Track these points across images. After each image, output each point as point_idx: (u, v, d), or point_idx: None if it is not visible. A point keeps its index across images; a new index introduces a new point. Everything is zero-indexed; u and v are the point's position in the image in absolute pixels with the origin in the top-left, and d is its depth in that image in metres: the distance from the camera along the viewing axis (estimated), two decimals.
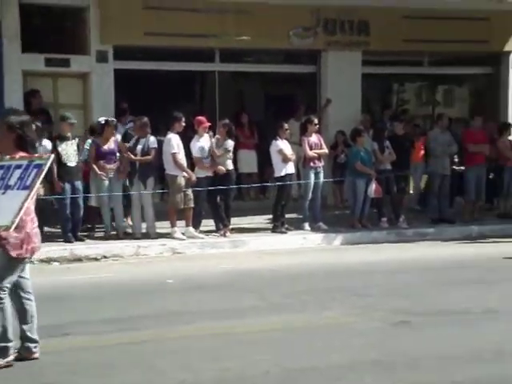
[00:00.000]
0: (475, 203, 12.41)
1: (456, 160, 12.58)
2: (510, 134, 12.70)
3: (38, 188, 5.00)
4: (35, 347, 5.31)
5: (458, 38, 13.57)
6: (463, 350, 5.57)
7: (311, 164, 11.36)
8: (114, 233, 10.67)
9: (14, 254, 5.00)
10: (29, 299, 5.30)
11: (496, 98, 14.80)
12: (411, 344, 5.77)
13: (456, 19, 13.54)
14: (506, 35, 14.32)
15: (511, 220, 12.14)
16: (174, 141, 10.54)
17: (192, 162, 10.98)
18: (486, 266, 9.02)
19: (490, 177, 12.89)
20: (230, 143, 10.97)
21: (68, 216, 10.23)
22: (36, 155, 5.08)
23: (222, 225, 10.90)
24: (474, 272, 8.66)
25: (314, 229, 11.35)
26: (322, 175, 11.49)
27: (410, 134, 12.57)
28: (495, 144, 12.46)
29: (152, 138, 10.69)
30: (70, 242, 10.13)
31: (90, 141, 10.80)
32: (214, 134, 11.08)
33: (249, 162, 13.51)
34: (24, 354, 5.28)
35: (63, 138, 10.32)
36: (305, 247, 10.70)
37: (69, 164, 10.26)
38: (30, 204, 4.89)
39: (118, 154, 10.70)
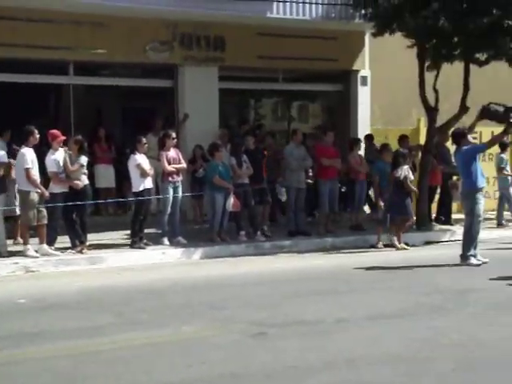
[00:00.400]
0: (329, 216, 12.83)
1: (310, 174, 12.95)
2: (360, 149, 13.26)
3: None
4: None
5: (310, 55, 14.07)
6: (317, 359, 5.74)
7: (170, 178, 11.32)
8: None
9: None
10: None
11: (346, 114, 15.43)
12: (268, 355, 5.88)
13: (308, 38, 14.02)
14: (353, 54, 15.01)
15: (363, 232, 12.65)
16: (28, 156, 10.16)
17: (46, 178, 10.64)
18: (339, 277, 9.35)
19: (343, 190, 13.38)
20: (84, 159, 10.73)
21: None
22: None
23: (78, 241, 10.62)
24: (328, 283, 8.95)
25: (173, 243, 11.31)
26: (180, 190, 11.49)
27: (262, 148, 12.84)
28: (346, 158, 12.96)
29: (1, 152, 10.27)
30: None
31: None
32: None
33: (106, 176, 13.30)
34: None
35: None
36: (164, 262, 10.63)
37: None
38: None
39: None
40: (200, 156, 13.12)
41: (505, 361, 5.64)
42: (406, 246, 11.68)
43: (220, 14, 12.83)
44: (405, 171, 11.60)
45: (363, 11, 12.39)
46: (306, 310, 7.43)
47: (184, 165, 11.72)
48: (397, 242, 11.64)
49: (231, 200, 11.48)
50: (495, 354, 5.83)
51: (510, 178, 14.07)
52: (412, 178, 11.81)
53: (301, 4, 13.32)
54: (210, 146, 12.00)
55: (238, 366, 5.59)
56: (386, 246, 11.84)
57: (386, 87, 17.22)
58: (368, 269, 9.83)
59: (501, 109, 9.73)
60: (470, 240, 9.93)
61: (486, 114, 9.85)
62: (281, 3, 13.17)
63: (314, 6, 13.48)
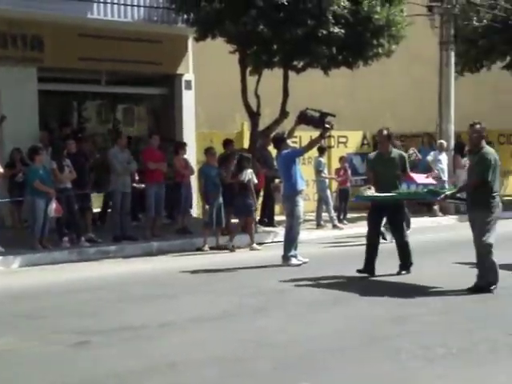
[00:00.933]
0: (155, 219, 12.78)
1: (137, 178, 12.85)
2: (185, 153, 13.32)
3: None
4: None
5: (134, 58, 13.90)
6: (141, 365, 5.68)
7: None
8: None
9: None
10: None
11: (172, 118, 15.42)
12: (90, 363, 5.74)
13: (131, 40, 13.84)
14: (177, 58, 15.02)
15: (189, 235, 12.71)
16: None
17: None
18: (164, 281, 9.34)
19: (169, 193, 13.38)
20: None
21: None
22: None
23: None
24: (154, 287, 8.90)
25: None
26: None
27: (86, 152, 12.57)
28: (172, 162, 12.99)
29: None
30: None
31: None
32: None
33: None
34: None
35: None
36: None
37: None
38: None
39: None
40: (19, 160, 12.57)
41: (321, 357, 5.88)
42: (258, 247, 11.95)
43: (37, 12, 12.33)
44: (249, 175, 11.93)
45: (185, 16, 12.45)
46: (131, 315, 7.34)
47: (0, 169, 11.20)
48: (255, 244, 11.90)
49: (53, 205, 11.13)
50: (312, 350, 6.06)
51: (327, 180, 14.76)
52: (256, 181, 12.15)
53: (122, 6, 13.14)
54: (30, 149, 11.55)
55: (57, 376, 5.41)
56: (211, 248, 12.00)
57: (211, 91, 17.42)
58: (194, 272, 9.88)
59: (317, 114, 10.14)
60: (290, 241, 10.27)
61: (303, 119, 10.22)
62: (101, 4, 12.92)
63: (135, 8, 13.35)
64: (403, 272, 9.24)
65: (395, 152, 9.53)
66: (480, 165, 8.11)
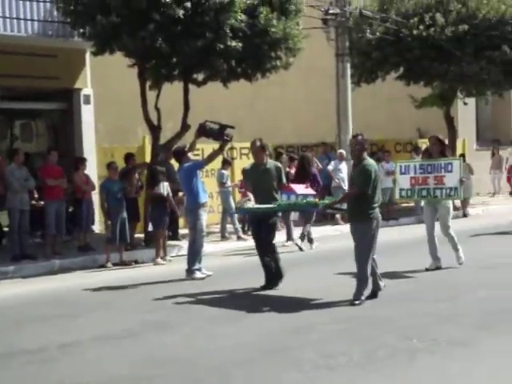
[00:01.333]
0: (56, 237, 12.49)
1: (36, 195, 12.53)
2: (85, 168, 13.08)
3: None
4: None
5: (29, 73, 13.51)
6: None
7: None
8: None
9: None
10: None
11: (71, 133, 15.10)
12: None
13: (26, 55, 13.46)
14: (75, 72, 14.74)
15: (92, 252, 12.48)
16: None
17: None
18: (65, 300, 9.14)
19: (70, 210, 13.13)
20: None
21: None
22: None
23: None
24: (54, 307, 8.69)
25: None
26: None
27: None
28: (72, 178, 12.76)
29: None
30: None
31: None
32: None
33: None
34: None
35: None
36: None
37: None
38: None
39: None
40: None
41: (222, 371, 5.89)
42: (162, 261, 11.86)
43: None
44: (166, 187, 11.89)
45: (82, 30, 12.22)
46: (29, 337, 7.15)
47: None
48: (159, 259, 11.85)
49: None
50: (217, 364, 6.08)
51: (230, 190, 14.78)
52: (171, 193, 12.09)
53: (15, 20, 12.76)
54: None
55: None
56: (115, 264, 11.83)
57: (111, 105, 17.19)
58: (96, 289, 9.72)
59: (216, 126, 10.15)
60: (194, 254, 10.24)
61: (203, 131, 10.19)
62: None
63: (29, 22, 12.96)
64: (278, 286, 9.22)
65: (271, 163, 9.60)
66: (361, 176, 8.20)
